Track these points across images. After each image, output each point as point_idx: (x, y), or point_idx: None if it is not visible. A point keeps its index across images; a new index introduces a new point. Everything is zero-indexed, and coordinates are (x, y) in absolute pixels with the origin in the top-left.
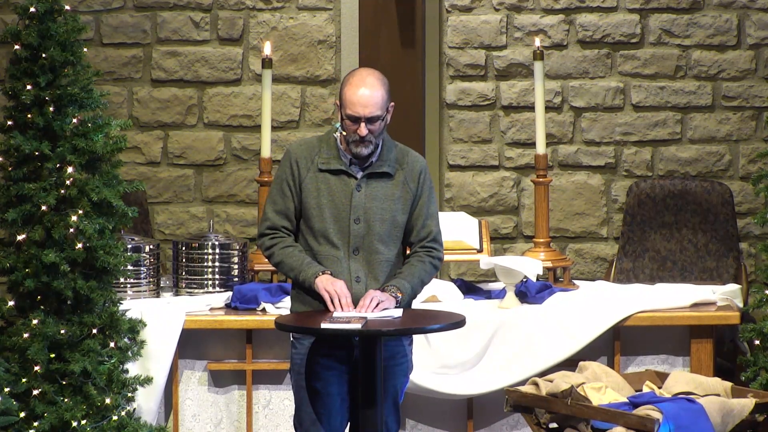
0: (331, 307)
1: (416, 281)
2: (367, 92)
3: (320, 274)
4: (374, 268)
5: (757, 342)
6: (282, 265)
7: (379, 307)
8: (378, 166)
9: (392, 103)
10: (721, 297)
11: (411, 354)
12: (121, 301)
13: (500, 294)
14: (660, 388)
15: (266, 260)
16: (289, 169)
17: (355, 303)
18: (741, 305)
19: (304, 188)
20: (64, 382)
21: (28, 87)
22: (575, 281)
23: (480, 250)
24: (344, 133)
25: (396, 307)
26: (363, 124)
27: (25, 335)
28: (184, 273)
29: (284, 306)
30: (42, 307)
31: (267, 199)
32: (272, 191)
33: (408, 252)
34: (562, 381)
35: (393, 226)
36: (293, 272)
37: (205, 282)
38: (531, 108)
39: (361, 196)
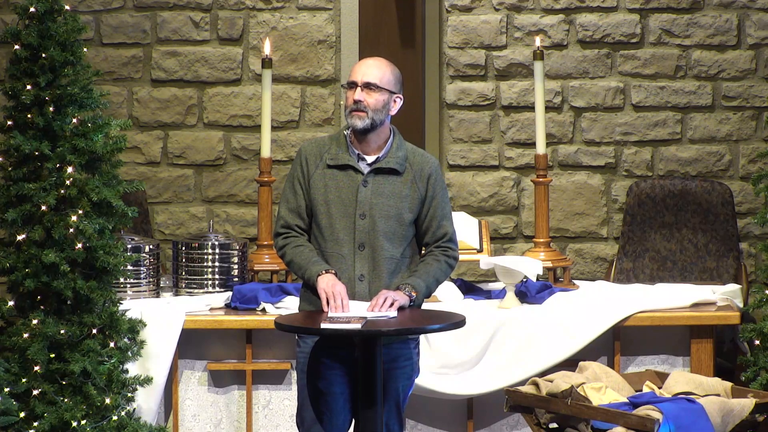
0: (325, 308)
1: (431, 280)
2: (370, 62)
3: (323, 272)
4: (379, 264)
5: (757, 342)
6: (292, 264)
7: (394, 306)
8: (386, 162)
9: (400, 95)
10: (721, 297)
11: (417, 357)
12: (121, 301)
13: (500, 294)
14: (660, 388)
15: (266, 260)
16: (299, 166)
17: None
18: (741, 305)
19: (313, 185)
20: (64, 382)
21: (28, 87)
22: (575, 281)
23: (480, 250)
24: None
25: (410, 306)
26: (358, 89)
27: (25, 335)
28: (184, 273)
29: (284, 306)
30: (42, 307)
31: (281, 198)
32: (285, 190)
33: (423, 252)
34: (562, 381)
35: (398, 223)
36: (300, 271)
37: (205, 282)
38: (531, 108)
39: (367, 192)
